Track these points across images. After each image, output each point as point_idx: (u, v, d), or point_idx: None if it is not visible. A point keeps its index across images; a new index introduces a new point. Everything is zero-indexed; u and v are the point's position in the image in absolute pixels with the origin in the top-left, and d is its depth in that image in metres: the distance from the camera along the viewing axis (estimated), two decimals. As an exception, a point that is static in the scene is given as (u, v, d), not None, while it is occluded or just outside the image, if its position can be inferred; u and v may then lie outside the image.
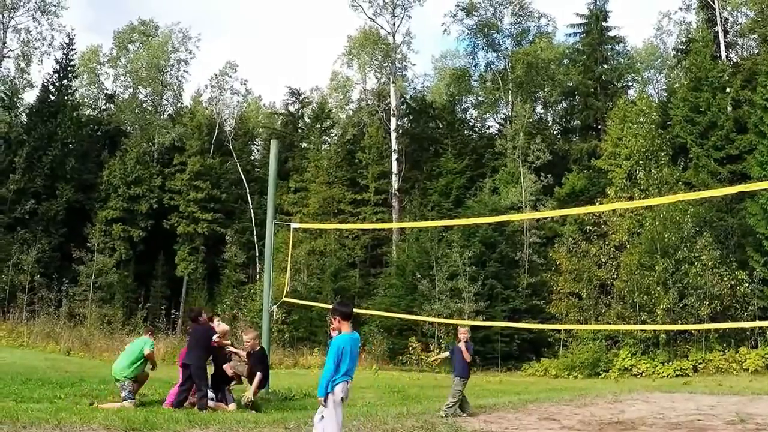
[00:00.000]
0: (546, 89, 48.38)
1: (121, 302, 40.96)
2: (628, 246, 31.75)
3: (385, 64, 48.57)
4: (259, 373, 11.68)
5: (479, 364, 33.42)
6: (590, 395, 16.00)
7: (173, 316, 40.05)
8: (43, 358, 23.09)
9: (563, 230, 36.23)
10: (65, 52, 48.17)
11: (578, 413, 12.31)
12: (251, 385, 11.78)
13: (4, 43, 47.73)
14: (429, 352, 32.78)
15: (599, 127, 43.68)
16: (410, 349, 33.16)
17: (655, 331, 27.53)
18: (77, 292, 39.43)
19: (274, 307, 17.09)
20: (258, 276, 42.83)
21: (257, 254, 45.51)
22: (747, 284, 28.61)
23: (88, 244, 41.02)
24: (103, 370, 20.30)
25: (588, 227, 33.85)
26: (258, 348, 12.10)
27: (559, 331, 32.31)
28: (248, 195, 48.67)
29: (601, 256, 32.73)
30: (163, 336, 33.67)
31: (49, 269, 39.51)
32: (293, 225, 15.67)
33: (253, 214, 47.32)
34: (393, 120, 46.46)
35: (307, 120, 54.23)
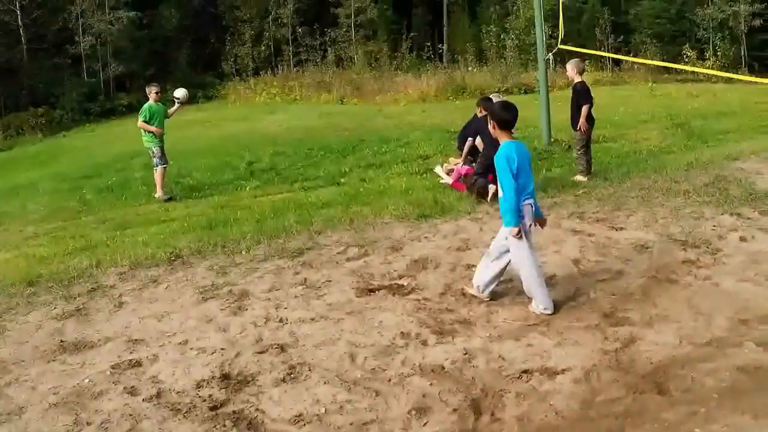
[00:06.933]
0: None
1: (385, 37, 40.16)
2: None
3: None
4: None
5: (758, 71, 30.13)
6: None
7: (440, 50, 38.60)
8: (318, 114, 22.96)
9: None
10: None
11: None
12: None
13: None
14: (704, 61, 29.79)
15: None
16: (684, 57, 30.03)
17: None
18: (339, 34, 39.21)
19: (550, 55, 14.68)
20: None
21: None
22: None
23: (343, -15, 39.84)
24: (378, 122, 19.66)
25: None
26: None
27: None
28: None
29: None
30: (433, 68, 32.63)
31: (308, 17, 39.34)
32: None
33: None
34: None
35: None
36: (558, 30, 13.66)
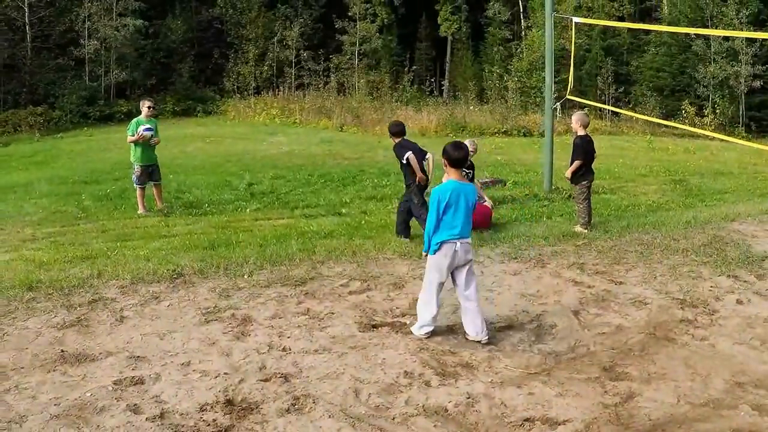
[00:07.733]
0: None
1: (387, 67, 40.57)
2: None
3: None
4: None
5: (754, 131, 30.90)
6: None
7: (442, 86, 39.02)
8: (318, 140, 23.09)
9: None
10: None
11: None
12: None
13: None
14: (703, 117, 30.80)
15: None
16: (683, 112, 30.90)
17: None
18: (342, 61, 39.53)
19: (558, 104, 15.01)
20: (523, 33, 39.73)
21: (521, 10, 42.00)
22: None
23: (349, 13, 40.24)
24: (378, 153, 19.78)
25: None
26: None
27: None
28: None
29: None
30: (434, 103, 32.86)
31: (313, 41, 39.69)
32: (575, 19, 12.97)
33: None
34: None
35: None
36: (560, 76, 13.99)
